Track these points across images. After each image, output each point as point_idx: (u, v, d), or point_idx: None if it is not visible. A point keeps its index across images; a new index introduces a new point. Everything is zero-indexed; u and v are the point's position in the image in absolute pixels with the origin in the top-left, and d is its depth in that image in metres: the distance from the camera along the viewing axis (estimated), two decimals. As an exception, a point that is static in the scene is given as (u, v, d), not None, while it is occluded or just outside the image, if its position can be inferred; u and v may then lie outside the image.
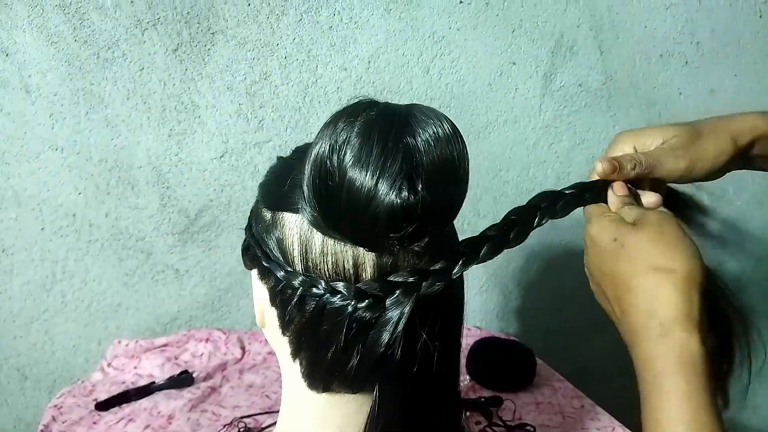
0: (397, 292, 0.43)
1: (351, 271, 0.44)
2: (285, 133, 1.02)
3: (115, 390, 0.93)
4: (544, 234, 1.23)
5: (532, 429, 0.77)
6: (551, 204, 0.52)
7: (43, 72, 0.91)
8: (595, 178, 0.54)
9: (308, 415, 0.50)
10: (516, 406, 0.85)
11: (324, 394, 0.48)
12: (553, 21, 1.11)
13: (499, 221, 0.49)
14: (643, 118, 1.22)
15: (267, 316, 0.49)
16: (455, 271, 0.45)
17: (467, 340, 1.04)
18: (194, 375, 0.96)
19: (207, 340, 1.04)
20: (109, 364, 1.00)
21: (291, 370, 0.49)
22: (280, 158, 0.52)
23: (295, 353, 0.47)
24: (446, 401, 0.50)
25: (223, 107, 0.99)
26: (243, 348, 1.05)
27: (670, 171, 0.52)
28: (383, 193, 0.39)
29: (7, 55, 0.89)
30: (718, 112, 1.32)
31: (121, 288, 1.02)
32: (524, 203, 0.52)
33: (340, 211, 0.41)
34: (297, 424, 0.52)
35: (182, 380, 0.94)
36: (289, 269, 0.45)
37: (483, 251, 0.46)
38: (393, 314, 0.43)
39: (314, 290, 0.44)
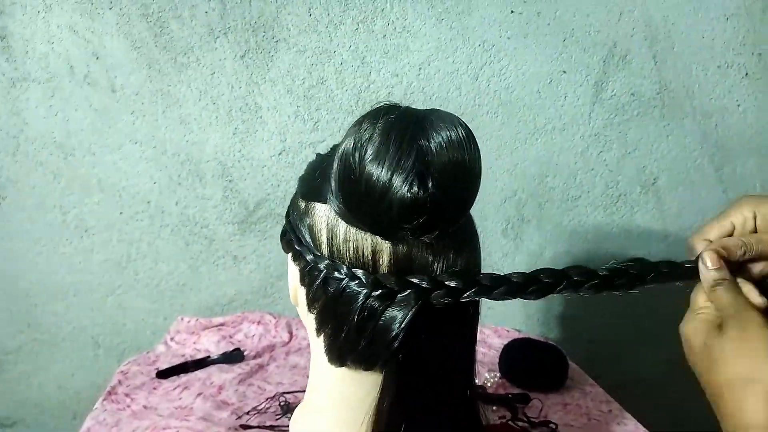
0: (409, 291, 0.47)
1: (369, 258, 0.49)
2: (338, 135, 1.09)
3: (176, 362, 1.02)
4: (593, 242, 1.24)
5: (554, 426, 0.80)
6: (583, 280, 0.48)
7: (127, 73, 1.02)
8: (698, 247, 0.51)
9: (329, 387, 0.56)
10: (543, 405, 0.88)
11: (342, 368, 0.53)
12: (605, 30, 1.12)
13: (529, 272, 0.49)
14: (698, 129, 1.20)
15: (299, 294, 0.55)
16: (466, 295, 0.47)
17: (503, 340, 1.07)
18: (245, 353, 1.04)
19: (259, 322, 1.13)
20: (172, 338, 1.10)
21: (316, 345, 0.55)
22: (318, 155, 0.58)
23: (319, 329, 0.53)
24: (458, 388, 0.53)
25: (283, 109, 1.07)
26: (290, 332, 1.13)
27: None
28: (396, 187, 0.44)
29: (97, 58, 1.01)
30: (780, 126, 1.27)
31: (187, 270, 1.12)
32: (561, 266, 0.48)
33: (360, 201, 0.46)
34: (320, 394, 0.58)
35: (234, 356, 1.02)
36: (317, 253, 0.51)
37: (496, 291, 0.48)
38: (400, 309, 0.47)
39: (336, 274, 0.49)
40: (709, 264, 0.48)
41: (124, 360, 1.04)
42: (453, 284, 0.47)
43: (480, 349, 1.10)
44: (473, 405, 0.55)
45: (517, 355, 0.97)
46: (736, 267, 0.50)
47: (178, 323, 1.12)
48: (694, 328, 0.48)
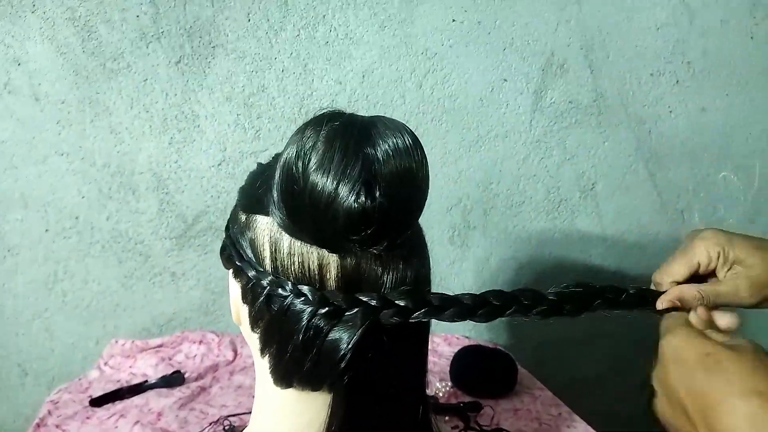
0: (356, 309, 0.45)
1: (316, 272, 0.47)
2: (281, 143, 1.05)
3: (110, 388, 0.96)
4: (537, 247, 1.26)
5: (506, 433, 0.79)
6: (531, 304, 0.49)
7: (51, 81, 0.96)
8: (661, 284, 0.54)
9: (276, 409, 0.53)
10: (495, 412, 0.87)
11: (290, 389, 0.51)
12: (543, 40, 1.14)
13: (479, 293, 0.49)
14: (632, 135, 1.24)
15: (241, 313, 0.52)
16: (415, 315, 0.46)
17: (453, 348, 1.07)
18: (186, 375, 0.99)
19: (200, 341, 1.08)
20: (105, 363, 1.03)
21: (261, 366, 0.52)
22: (259, 164, 0.55)
23: (263, 349, 0.50)
24: (410, 405, 0.51)
25: (222, 117, 1.03)
26: (235, 350, 1.08)
27: (737, 304, 0.52)
28: (342, 197, 0.42)
29: (19, 64, 0.94)
30: (709, 130, 1.34)
31: (120, 289, 1.06)
32: (510, 289, 0.49)
33: (304, 213, 0.44)
34: (267, 417, 0.55)
35: (173, 379, 0.97)
36: (259, 269, 0.48)
37: (446, 312, 0.47)
38: (347, 329, 0.45)
39: (280, 291, 0.46)
40: (703, 317, 0.50)
41: (54, 388, 0.97)
42: (402, 303, 0.46)
43: (431, 359, 1.09)
44: (426, 421, 0.54)
45: (467, 363, 0.96)
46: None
47: (111, 346, 1.05)
48: (687, 340, 0.46)
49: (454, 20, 1.09)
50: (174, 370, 0.99)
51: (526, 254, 1.26)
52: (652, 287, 0.56)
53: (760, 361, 0.42)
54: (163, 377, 0.97)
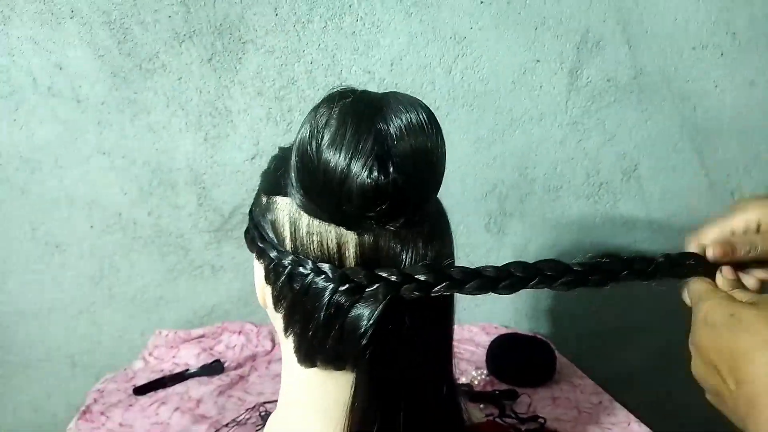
0: (377, 285, 0.45)
1: (335, 250, 0.47)
2: (312, 135, 1.07)
3: (154, 377, 0.99)
4: (577, 233, 1.22)
5: (543, 421, 0.77)
6: (555, 275, 0.47)
7: (91, 83, 0.99)
8: (693, 250, 0.53)
9: (301, 390, 0.53)
10: (532, 400, 0.85)
11: (313, 369, 0.51)
12: (577, 17, 1.10)
13: (501, 265, 0.47)
14: (676, 112, 1.19)
15: (266, 294, 0.53)
16: (436, 289, 0.45)
17: (491, 338, 1.05)
18: (226, 365, 1.01)
19: (240, 332, 1.10)
20: (150, 354, 1.07)
21: (286, 346, 0.52)
22: (280, 148, 0.56)
23: (287, 329, 0.50)
24: (434, 385, 0.50)
25: (254, 112, 1.05)
26: (273, 341, 1.10)
27: None
28: (355, 174, 0.42)
29: (60, 68, 0.98)
30: (758, 104, 1.27)
31: (163, 282, 1.09)
32: (531, 260, 0.48)
33: (319, 191, 0.44)
34: (293, 398, 0.55)
35: (213, 368, 0.99)
36: (281, 249, 0.49)
37: (468, 285, 0.46)
38: (369, 305, 0.45)
39: (301, 269, 0.46)
40: (712, 253, 0.50)
41: (101, 378, 1.01)
42: (423, 278, 0.45)
43: (467, 348, 1.08)
44: (453, 402, 0.53)
45: (504, 351, 0.94)
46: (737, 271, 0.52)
47: (156, 337, 1.08)
48: (715, 303, 0.47)
49: (482, 2, 1.07)
50: (214, 359, 1.02)
51: (566, 241, 1.22)
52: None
53: None
54: (204, 366, 1.00)
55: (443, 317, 0.51)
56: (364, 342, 0.45)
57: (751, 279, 0.53)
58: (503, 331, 1.12)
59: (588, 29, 1.11)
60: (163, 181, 1.05)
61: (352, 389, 0.48)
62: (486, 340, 1.08)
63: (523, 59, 1.11)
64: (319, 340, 0.47)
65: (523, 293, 1.23)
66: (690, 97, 1.19)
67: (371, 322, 0.44)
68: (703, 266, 0.51)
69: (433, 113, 0.45)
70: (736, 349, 0.44)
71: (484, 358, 0.97)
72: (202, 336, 1.09)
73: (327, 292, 0.45)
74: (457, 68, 1.10)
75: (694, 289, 0.51)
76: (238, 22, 1.01)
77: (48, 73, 0.98)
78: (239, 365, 1.02)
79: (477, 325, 1.17)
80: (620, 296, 1.25)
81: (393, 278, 0.45)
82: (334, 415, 0.49)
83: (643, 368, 1.29)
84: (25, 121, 0.99)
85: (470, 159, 1.14)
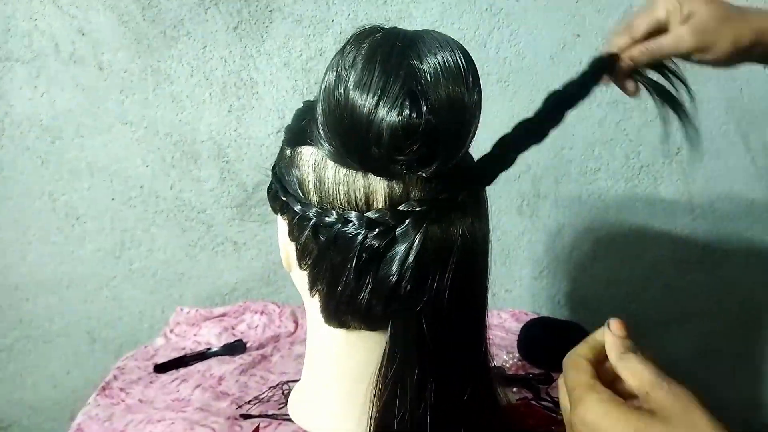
0: (407, 221, 0.42)
1: (362, 200, 0.44)
2: (340, 109, 1.03)
3: (175, 355, 0.96)
4: (615, 217, 1.17)
5: (583, 406, 0.72)
6: (562, 93, 0.55)
7: (114, 50, 0.97)
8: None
9: (328, 354, 0.50)
10: (569, 386, 0.80)
11: (342, 330, 0.48)
12: (621, -11, 1.05)
13: (509, 132, 0.51)
14: (722, 93, 1.13)
15: (289, 253, 0.49)
16: (461, 196, 0.44)
17: (521, 324, 1.00)
18: (248, 344, 0.98)
19: (262, 312, 1.07)
20: (171, 331, 1.04)
21: (311, 307, 0.49)
22: (305, 101, 0.52)
23: (312, 286, 0.47)
24: (469, 357, 0.48)
25: (280, 83, 1.01)
26: (296, 322, 1.06)
27: (681, 53, 0.58)
28: (384, 113, 0.39)
29: (83, 34, 0.95)
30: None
31: (184, 258, 1.06)
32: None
33: (346, 134, 0.41)
34: (318, 364, 0.52)
35: (235, 347, 0.96)
36: (305, 202, 0.46)
37: (488, 170, 0.47)
38: (403, 244, 0.42)
39: (326, 219, 0.44)
40: (617, 332, 0.42)
41: (122, 355, 0.99)
42: (443, 195, 0.44)
43: (498, 333, 1.03)
44: (486, 379, 0.50)
45: (536, 334, 0.90)
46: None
47: (177, 314, 1.06)
48: (602, 412, 0.36)
49: (521, -28, 1.02)
50: (236, 339, 0.99)
51: (603, 225, 1.17)
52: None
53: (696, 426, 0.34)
54: (226, 345, 0.97)
55: (477, 272, 0.48)
56: (402, 285, 0.42)
57: (631, 83, 0.62)
58: (534, 317, 1.08)
59: (632, 3, 1.06)
60: (186, 154, 1.02)
61: (385, 352, 0.45)
62: (516, 326, 1.03)
63: (562, 33, 1.06)
64: (349, 294, 0.44)
65: (555, 279, 1.18)
66: (737, 78, 1.13)
67: (410, 260, 0.42)
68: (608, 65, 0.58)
69: (471, 58, 0.42)
70: None
71: (515, 343, 0.93)
72: (224, 315, 1.06)
73: (358, 239, 0.42)
74: (493, 41, 1.05)
75: (571, 387, 0.39)
76: (266, -11, 0.98)
77: (70, 39, 0.96)
78: (261, 345, 0.99)
79: (507, 312, 1.12)
80: (657, 287, 1.20)
81: (418, 209, 0.42)
82: (361, 382, 0.46)
83: (679, 360, 1.23)
84: (46, 88, 0.97)
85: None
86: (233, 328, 1.04)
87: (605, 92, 1.10)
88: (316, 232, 0.45)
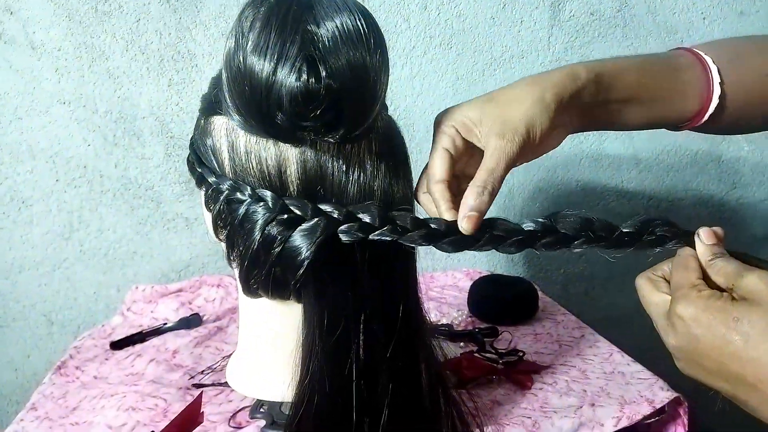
0: (316, 219, 0.42)
1: (275, 170, 0.44)
2: (282, 78, 1.02)
3: (132, 332, 0.97)
4: (562, 174, 1.19)
5: (521, 354, 0.75)
6: (504, 236, 0.43)
7: (46, 28, 0.94)
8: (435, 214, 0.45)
9: (255, 320, 0.51)
10: (513, 337, 0.83)
11: (261, 299, 0.48)
12: (558, -55, 1.05)
13: (452, 219, 0.43)
14: (663, 46, 1.14)
15: (208, 222, 0.50)
16: (377, 233, 0.42)
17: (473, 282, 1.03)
18: (204, 318, 0.99)
19: (218, 285, 1.07)
20: (128, 309, 1.04)
21: (235, 276, 0.50)
22: (221, 70, 0.52)
23: (229, 257, 0.47)
24: (395, 322, 0.47)
25: (219, 55, 0.98)
26: (252, 292, 1.07)
27: (517, 161, 0.44)
28: (283, 77, 0.39)
29: (11, 13, 0.93)
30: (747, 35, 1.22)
31: (135, 236, 1.06)
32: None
33: (249, 101, 0.41)
34: (248, 329, 0.53)
35: (191, 321, 0.97)
36: (219, 174, 0.46)
37: (410, 234, 0.42)
38: (305, 237, 0.42)
39: (239, 195, 0.44)
40: (706, 240, 0.43)
41: (79, 335, 0.99)
42: (366, 219, 0.42)
43: (451, 293, 1.06)
44: (418, 339, 0.49)
45: (485, 290, 0.93)
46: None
47: (133, 292, 1.06)
48: (701, 307, 0.38)
49: (456, -69, 1.01)
50: (193, 313, 0.99)
51: (552, 183, 1.19)
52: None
53: None
54: (182, 319, 0.98)
55: (398, 252, 0.46)
56: (299, 273, 0.43)
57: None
58: (485, 275, 1.10)
59: (569, -42, 1.06)
60: (128, 131, 1.01)
61: (302, 322, 0.46)
62: (469, 285, 1.06)
63: (501, -8, 1.06)
64: (258, 268, 0.44)
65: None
66: (677, 30, 1.15)
67: (307, 254, 0.42)
68: (678, 235, 0.44)
69: (371, 16, 0.42)
70: (757, 359, 0.36)
71: (466, 298, 0.96)
72: (180, 290, 1.07)
73: (261, 221, 0.42)
74: (433, 4, 1.05)
75: (681, 276, 0.42)
76: (198, -42, 0.96)
77: (-2, 19, 0.93)
78: (218, 318, 1.00)
79: (461, 271, 1.15)
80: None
81: (335, 215, 0.42)
82: (286, 349, 0.47)
83: (631, 311, 1.27)
84: (-22, 71, 0.94)
85: (449, 100, 1.09)
86: (190, 303, 1.05)
87: (547, 50, 1.11)
88: (229, 206, 0.45)
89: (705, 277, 0.41)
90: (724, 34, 1.16)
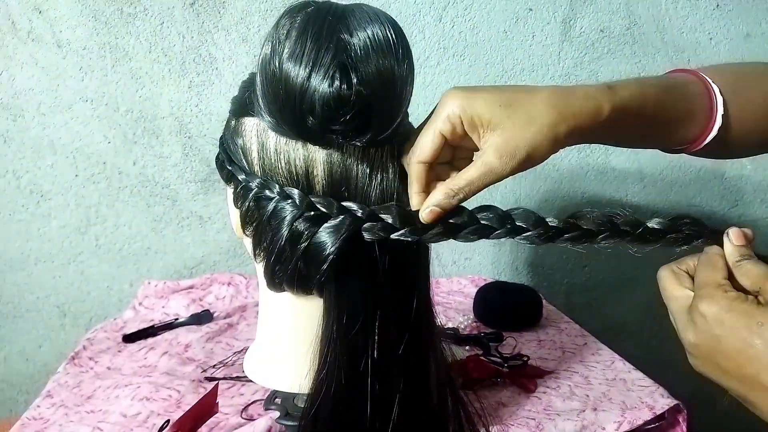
0: (341, 217, 0.45)
1: (302, 170, 0.46)
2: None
3: (144, 326, 0.99)
4: (568, 185, 1.22)
5: (526, 359, 0.78)
6: (525, 227, 0.45)
7: (72, 27, 0.97)
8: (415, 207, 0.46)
9: (275, 313, 0.53)
10: (517, 343, 0.86)
11: (284, 294, 0.51)
12: (571, -36, 1.08)
13: (472, 209, 0.45)
14: (670, 64, 1.17)
15: (233, 219, 0.52)
16: (399, 233, 0.44)
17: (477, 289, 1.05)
18: (215, 314, 1.01)
19: (229, 283, 1.10)
20: (140, 303, 1.06)
21: (258, 271, 0.52)
22: (251, 73, 0.55)
23: (255, 253, 0.50)
24: (409, 321, 0.49)
25: (239, 59, 1.03)
26: (262, 291, 1.09)
27: (497, 179, 0.45)
28: (316, 83, 0.41)
29: (40, 12, 0.96)
30: (754, 57, 1.26)
31: (150, 233, 1.08)
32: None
33: (282, 104, 0.43)
34: (269, 322, 0.55)
35: (202, 317, 0.99)
36: (248, 172, 0.48)
37: (431, 232, 0.44)
38: (330, 234, 0.45)
39: (267, 193, 0.47)
40: (735, 240, 0.43)
41: (92, 328, 1.01)
42: (389, 219, 0.45)
43: (456, 298, 1.08)
44: (429, 339, 0.51)
45: (491, 297, 0.95)
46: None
47: (145, 287, 1.08)
48: (725, 307, 0.38)
49: (473, -54, 1.04)
50: (204, 309, 1.02)
51: (558, 195, 1.22)
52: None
53: None
54: (193, 315, 1.00)
55: (415, 253, 0.50)
56: (324, 268, 0.45)
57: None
58: (490, 281, 1.12)
59: (581, -24, 1.09)
60: (148, 130, 1.04)
61: (323, 314, 0.48)
62: (474, 291, 1.08)
63: (515, 7, 1.09)
64: (284, 263, 0.47)
65: (510, 245, 1.22)
66: (684, 49, 1.18)
67: (332, 249, 0.44)
68: (706, 234, 0.44)
69: (400, 28, 0.44)
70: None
71: (471, 305, 0.98)
72: (191, 287, 1.09)
73: (289, 217, 0.45)
74: (448, 16, 1.08)
75: (706, 275, 0.42)
76: (223, -36, 0.99)
77: (27, 17, 0.96)
78: (228, 315, 1.02)
79: (466, 278, 1.17)
80: (609, 252, 1.24)
81: (359, 213, 0.45)
82: (305, 342, 0.49)
83: (632, 321, 1.29)
84: (5, 67, 0.97)
85: (460, 110, 1.12)
86: (201, 300, 1.07)
87: (557, 64, 1.14)
88: (258, 203, 0.47)
89: (730, 278, 0.42)
90: (730, 54, 1.18)
